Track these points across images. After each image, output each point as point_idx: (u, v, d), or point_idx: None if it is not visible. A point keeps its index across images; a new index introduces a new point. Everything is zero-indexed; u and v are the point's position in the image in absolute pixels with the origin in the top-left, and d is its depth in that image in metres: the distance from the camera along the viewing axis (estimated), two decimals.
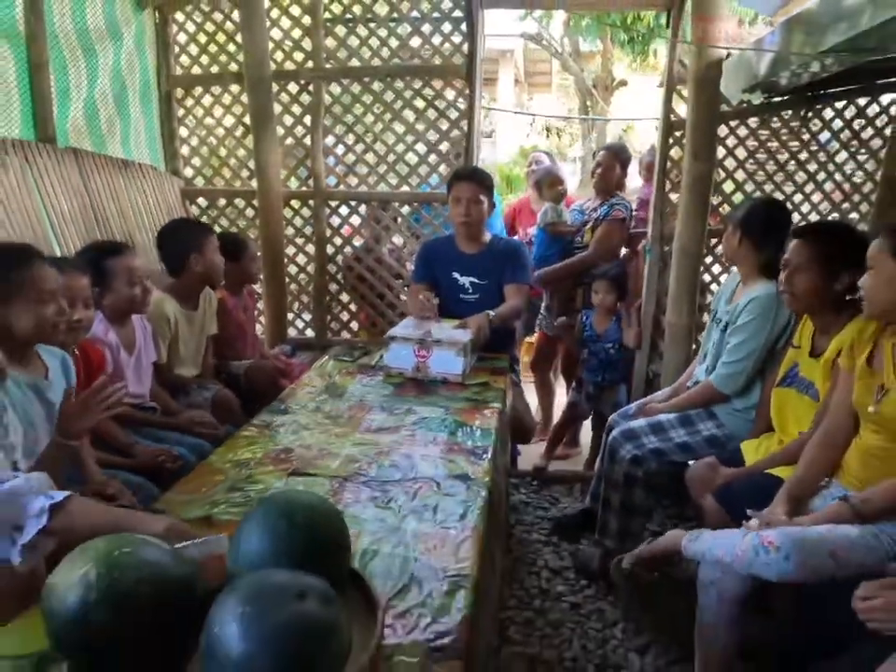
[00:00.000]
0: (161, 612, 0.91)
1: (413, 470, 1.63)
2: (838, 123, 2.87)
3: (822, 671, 1.34)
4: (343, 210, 3.26)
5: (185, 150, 3.30)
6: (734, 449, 2.24)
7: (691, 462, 2.29)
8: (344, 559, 1.08)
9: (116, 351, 2.08)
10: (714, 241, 2.91)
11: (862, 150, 2.87)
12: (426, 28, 2.97)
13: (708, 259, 3.00)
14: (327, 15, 3.02)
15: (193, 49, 3.16)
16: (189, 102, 3.24)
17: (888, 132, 2.81)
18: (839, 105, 2.85)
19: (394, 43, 3.01)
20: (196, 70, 3.19)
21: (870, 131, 2.84)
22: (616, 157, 3.47)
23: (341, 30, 3.04)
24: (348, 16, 3.02)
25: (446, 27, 2.95)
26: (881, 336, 1.67)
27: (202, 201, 3.34)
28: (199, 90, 3.22)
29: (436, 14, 2.94)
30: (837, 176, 2.91)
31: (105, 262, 1.97)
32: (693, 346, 2.95)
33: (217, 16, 3.10)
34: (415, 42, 3.00)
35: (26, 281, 1.48)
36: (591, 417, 3.35)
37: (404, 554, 1.26)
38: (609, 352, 3.08)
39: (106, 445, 1.88)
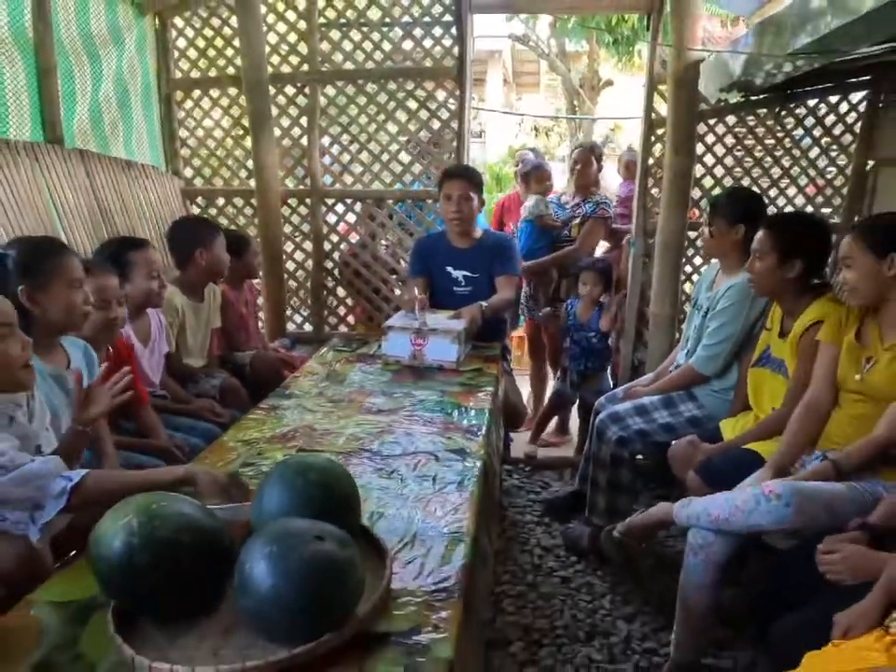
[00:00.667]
0: (197, 557, 1.03)
1: (412, 446, 1.75)
2: (811, 120, 3.01)
3: (787, 624, 1.46)
4: (339, 208, 3.37)
5: (185, 151, 3.40)
6: (713, 428, 2.37)
7: (674, 442, 2.43)
8: (356, 513, 1.20)
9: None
10: (694, 234, 3.05)
11: (834, 146, 3.02)
12: (417, 32, 3.09)
13: (690, 252, 3.14)
14: (321, 20, 3.13)
15: (192, 53, 3.27)
16: (189, 104, 3.34)
17: (857, 128, 2.95)
18: (811, 102, 3.00)
19: (387, 46, 3.13)
20: (195, 73, 3.30)
21: (841, 127, 2.99)
22: (592, 153, 3.66)
23: (335, 34, 3.14)
24: (342, 20, 3.14)
25: (437, 31, 3.07)
26: (867, 315, 1.82)
27: (201, 200, 3.44)
28: (197, 92, 3.33)
29: (427, 18, 3.06)
30: (811, 171, 3.06)
31: (126, 256, 2.09)
32: (676, 335, 3.08)
33: (215, 21, 3.20)
34: (407, 45, 3.12)
35: (57, 269, 1.59)
36: (577, 405, 3.49)
37: (408, 516, 1.38)
38: (591, 340, 3.21)
39: (120, 429, 1.99)
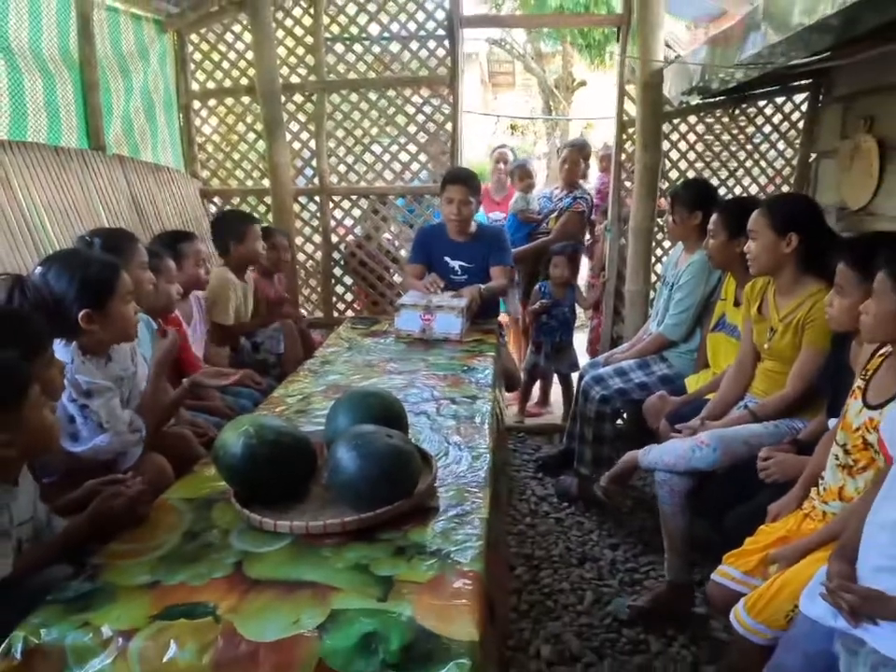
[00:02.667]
0: (295, 453, 1.40)
1: (433, 394, 2.12)
2: (761, 119, 3.43)
3: (735, 515, 1.87)
4: (345, 204, 3.73)
5: (202, 155, 3.73)
6: (681, 384, 2.78)
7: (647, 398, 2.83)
8: (405, 428, 1.57)
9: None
10: (662, 220, 3.45)
11: (781, 141, 3.45)
12: (413, 45, 3.46)
13: (659, 236, 3.55)
14: (327, 34, 3.49)
15: (208, 66, 3.60)
16: (205, 112, 3.67)
17: (801, 125, 3.38)
18: (761, 103, 3.42)
19: (386, 58, 3.50)
20: (210, 84, 3.63)
21: (787, 124, 3.42)
22: (580, 152, 4.08)
23: (339, 47, 3.50)
24: (346, 35, 3.50)
25: (431, 44, 3.44)
26: (767, 290, 2.21)
27: (218, 199, 3.78)
28: (213, 101, 3.66)
29: (422, 33, 3.43)
30: (762, 163, 3.48)
31: (178, 246, 2.42)
32: (649, 310, 3.49)
33: (229, 37, 3.54)
34: (405, 57, 3.49)
35: (135, 253, 1.95)
36: (557, 377, 3.91)
37: (439, 439, 1.75)
38: (565, 314, 3.68)
39: None
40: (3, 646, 1.03)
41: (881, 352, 1.55)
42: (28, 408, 1.19)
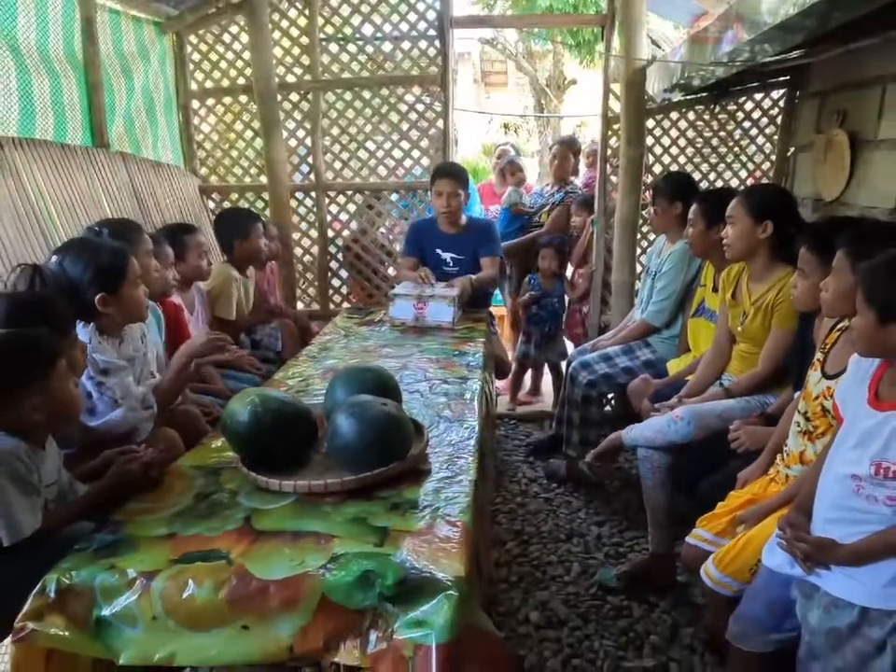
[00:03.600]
0: (297, 421, 1.52)
1: (426, 375, 2.24)
2: (741, 115, 3.56)
3: (708, 483, 2.00)
4: (341, 199, 3.84)
5: (200, 153, 3.84)
6: (664, 368, 2.91)
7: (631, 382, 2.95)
8: (400, 400, 1.69)
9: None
10: (646, 213, 3.58)
11: (760, 136, 3.58)
12: (405, 45, 3.57)
13: (644, 228, 3.68)
14: (322, 35, 3.60)
15: (206, 66, 3.70)
16: (203, 111, 3.78)
17: (779, 120, 3.51)
18: (741, 100, 3.55)
19: (379, 57, 3.61)
20: (209, 84, 3.74)
21: (765, 120, 3.55)
22: (569, 148, 4.23)
23: (333, 47, 3.61)
24: (340, 36, 3.61)
25: (422, 44, 3.55)
26: (741, 277, 2.34)
27: (216, 195, 3.88)
28: (211, 100, 3.77)
29: (413, 33, 3.54)
30: (742, 158, 3.61)
31: (182, 238, 2.54)
32: (635, 299, 3.61)
33: (226, 37, 3.65)
34: (397, 56, 3.60)
35: (142, 242, 2.06)
36: (547, 366, 4.05)
37: (431, 414, 1.87)
38: (554, 305, 3.83)
39: None
40: (38, 587, 1.14)
41: (839, 326, 1.68)
42: (56, 378, 1.30)
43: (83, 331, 1.70)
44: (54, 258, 1.80)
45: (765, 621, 1.50)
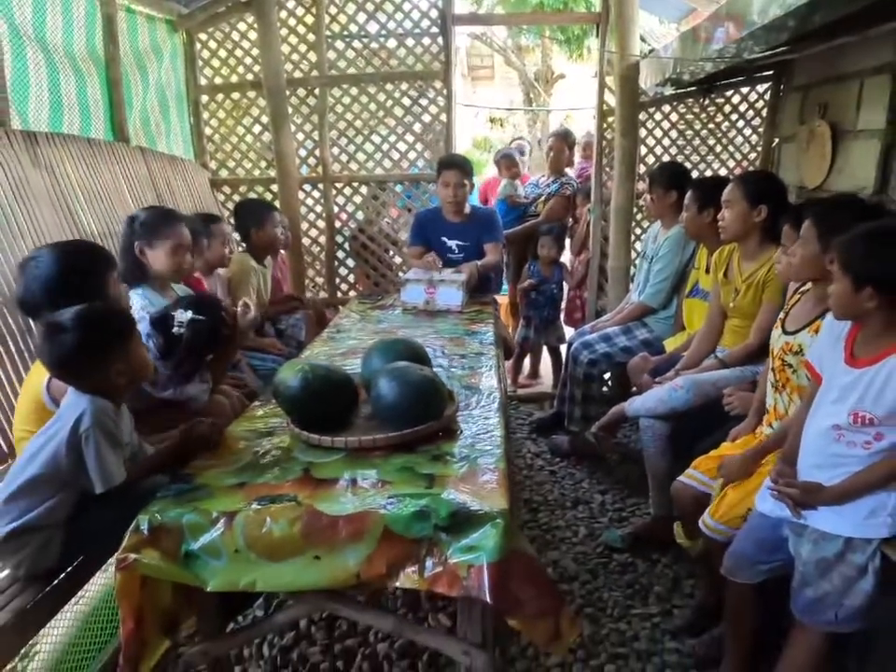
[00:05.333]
0: (343, 387, 1.69)
1: (443, 351, 2.41)
2: (728, 107, 3.76)
3: (705, 444, 2.19)
4: (347, 191, 3.99)
5: (210, 146, 3.96)
6: (660, 346, 3.10)
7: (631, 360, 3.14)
8: (431, 366, 1.86)
9: None
10: (641, 201, 3.76)
11: (747, 127, 3.77)
12: (409, 41, 3.72)
13: (638, 216, 3.86)
14: (328, 32, 3.74)
15: (215, 63, 3.83)
16: (213, 106, 3.90)
17: (764, 112, 3.71)
18: (728, 93, 3.74)
19: (384, 54, 3.76)
20: (218, 80, 3.86)
21: (752, 112, 3.74)
22: (564, 140, 4.42)
23: (340, 44, 3.76)
24: (345, 33, 3.75)
25: (425, 41, 3.70)
26: (732, 257, 2.53)
27: (226, 188, 4.01)
28: (220, 96, 3.89)
29: (417, 30, 3.70)
30: (730, 148, 3.81)
31: (209, 227, 2.67)
32: (630, 283, 3.80)
33: (235, 35, 3.78)
34: (401, 53, 3.75)
35: (173, 231, 2.22)
36: (547, 350, 4.24)
37: (456, 384, 2.04)
38: (553, 291, 4.03)
39: None
40: (132, 525, 1.30)
41: (801, 289, 1.89)
42: (134, 344, 1.46)
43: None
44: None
45: (755, 555, 1.70)
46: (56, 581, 1.45)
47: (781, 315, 1.91)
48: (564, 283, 4.17)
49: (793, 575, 1.63)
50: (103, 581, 1.90)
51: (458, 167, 3.36)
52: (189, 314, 1.86)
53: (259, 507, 1.33)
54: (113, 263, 1.85)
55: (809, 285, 1.89)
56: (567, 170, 4.55)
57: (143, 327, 1.88)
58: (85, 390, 1.46)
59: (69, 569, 1.48)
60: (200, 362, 1.94)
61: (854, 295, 1.46)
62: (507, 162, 4.64)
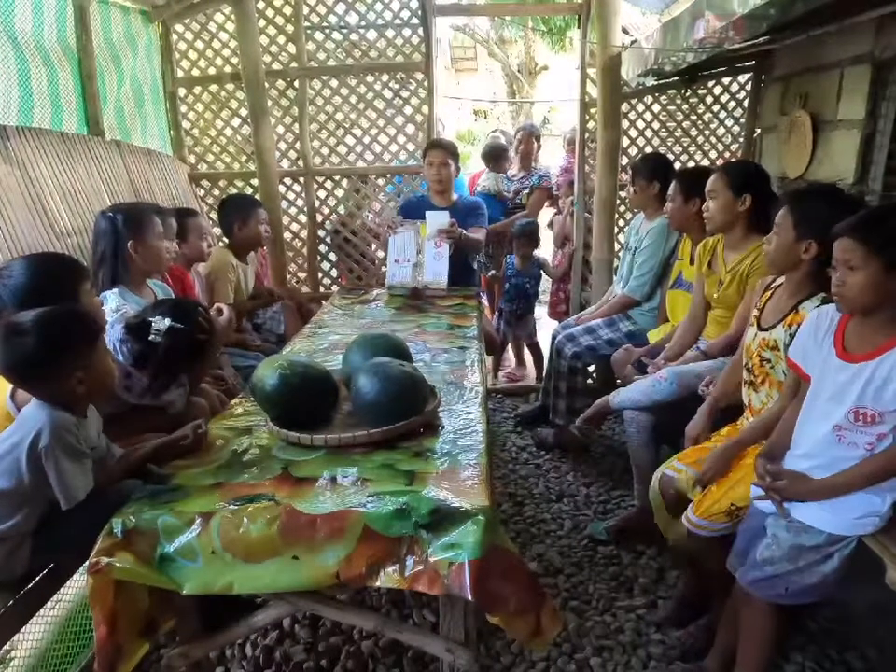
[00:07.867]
0: (321, 383, 1.66)
1: (426, 346, 2.39)
2: (710, 98, 3.75)
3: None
4: (329, 184, 3.94)
5: (188, 140, 3.90)
6: (644, 339, 3.09)
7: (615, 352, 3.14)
8: (412, 361, 1.83)
9: None
10: (624, 193, 3.76)
11: (729, 118, 3.77)
12: (389, 33, 3.67)
13: (621, 208, 3.86)
14: (307, 23, 3.68)
15: (192, 55, 3.76)
16: (191, 99, 3.84)
17: (746, 103, 3.71)
18: (710, 84, 3.73)
19: (364, 45, 3.71)
20: (195, 72, 3.80)
21: (733, 103, 3.74)
22: (532, 135, 4.47)
23: (319, 35, 3.70)
24: (325, 24, 3.70)
25: (406, 32, 3.66)
26: (716, 247, 2.53)
27: (205, 182, 3.95)
28: (198, 88, 3.83)
29: (397, 21, 3.65)
30: (712, 139, 3.81)
31: (184, 221, 2.63)
32: (614, 276, 3.79)
33: (212, 26, 3.71)
34: (381, 44, 3.71)
35: (164, 222, 2.17)
36: (527, 347, 4.25)
37: (437, 379, 2.02)
38: (526, 286, 4.02)
39: None
40: (105, 528, 1.27)
41: (772, 285, 1.89)
42: (99, 352, 1.42)
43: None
44: None
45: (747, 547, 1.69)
46: (27, 588, 1.41)
47: (755, 312, 1.90)
48: (542, 278, 4.15)
49: (744, 546, 1.64)
50: (79, 584, 1.86)
51: (441, 147, 3.39)
52: (168, 321, 1.80)
53: (236, 507, 1.30)
54: (86, 274, 1.79)
55: (780, 280, 1.89)
56: (534, 165, 4.55)
57: (116, 330, 1.84)
58: (42, 399, 1.40)
59: (39, 577, 1.45)
60: (177, 372, 1.88)
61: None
62: (505, 155, 4.63)
